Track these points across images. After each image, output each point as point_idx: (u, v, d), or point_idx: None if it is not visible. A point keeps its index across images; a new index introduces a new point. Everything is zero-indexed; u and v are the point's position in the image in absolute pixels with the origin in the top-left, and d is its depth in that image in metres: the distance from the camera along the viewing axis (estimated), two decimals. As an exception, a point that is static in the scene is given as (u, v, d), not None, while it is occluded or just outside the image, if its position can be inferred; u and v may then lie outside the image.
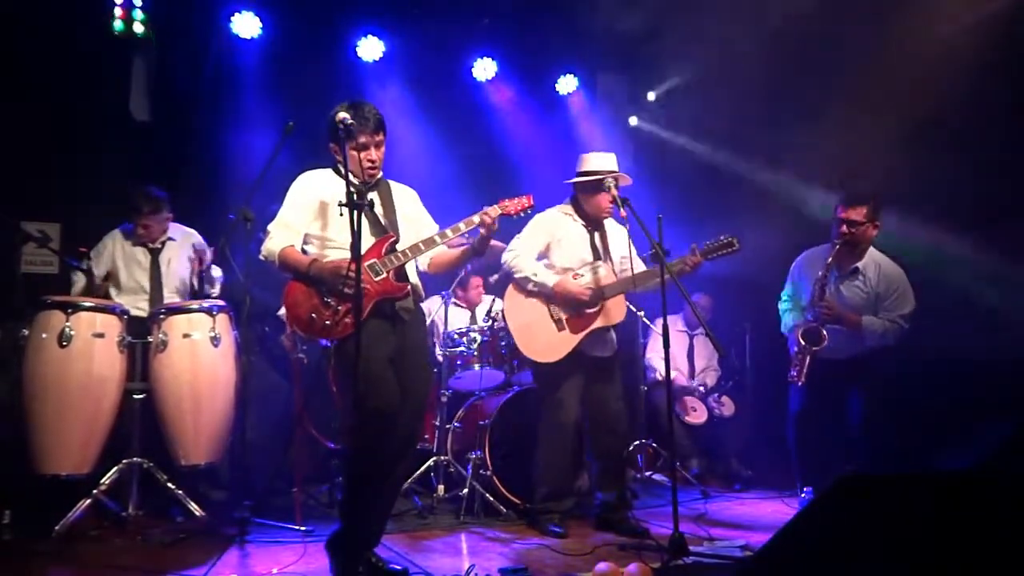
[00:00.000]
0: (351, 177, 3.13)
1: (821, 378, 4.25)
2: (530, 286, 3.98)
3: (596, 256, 4.07)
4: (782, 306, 4.62)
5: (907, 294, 4.27)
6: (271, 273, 3.91)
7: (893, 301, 4.25)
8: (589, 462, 4.18)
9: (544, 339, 3.95)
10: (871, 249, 4.36)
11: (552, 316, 3.97)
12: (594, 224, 4.12)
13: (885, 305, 4.26)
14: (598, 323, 3.97)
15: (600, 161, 4.04)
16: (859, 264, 4.33)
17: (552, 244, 4.05)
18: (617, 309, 4.02)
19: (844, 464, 4.24)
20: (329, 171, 3.24)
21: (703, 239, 3.92)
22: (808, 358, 4.21)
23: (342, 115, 2.94)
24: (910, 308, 4.24)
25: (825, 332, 4.19)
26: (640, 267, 4.04)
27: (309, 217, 3.16)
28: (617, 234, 4.20)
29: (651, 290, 3.94)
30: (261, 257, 3.19)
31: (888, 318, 4.23)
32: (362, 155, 3.11)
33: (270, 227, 3.16)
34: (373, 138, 3.11)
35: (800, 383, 4.22)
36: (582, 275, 4.00)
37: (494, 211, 3.20)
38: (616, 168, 4.03)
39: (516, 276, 4.01)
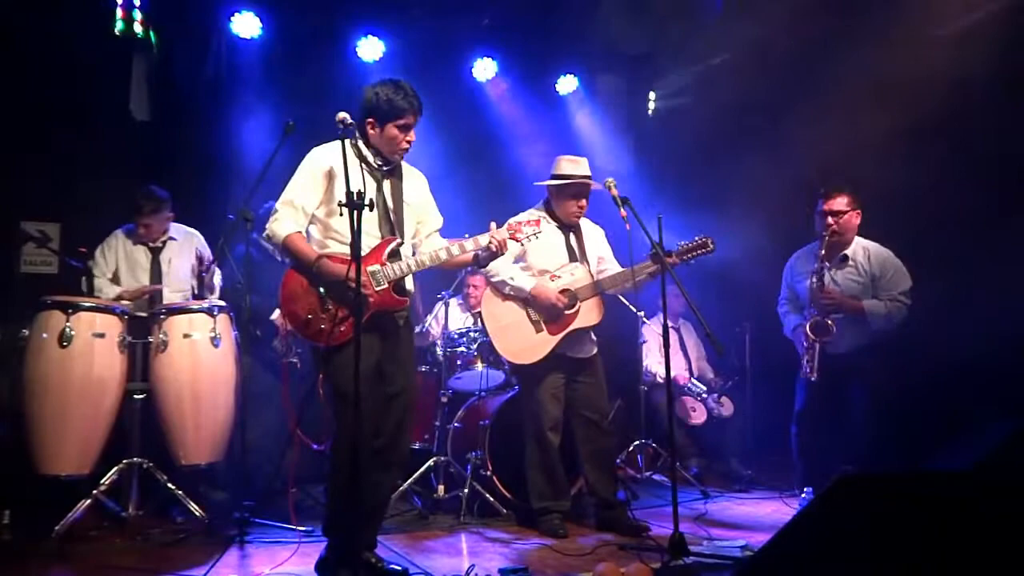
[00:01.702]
0: (369, 157, 3.13)
1: (824, 375, 4.26)
2: (507, 290, 4.01)
3: (572, 257, 4.11)
4: (781, 310, 4.65)
5: (902, 271, 4.31)
6: (264, 278, 3.91)
7: (890, 280, 4.28)
8: (583, 463, 4.18)
9: (522, 341, 3.98)
10: (857, 237, 4.40)
11: (530, 318, 4.00)
12: (568, 226, 4.15)
13: (883, 285, 4.29)
14: (576, 324, 4.00)
15: (572, 166, 4.08)
16: (847, 252, 4.38)
17: (528, 247, 4.06)
18: (593, 311, 4.05)
19: (844, 464, 4.24)
20: (347, 143, 3.13)
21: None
22: (818, 352, 4.21)
23: (342, 115, 2.93)
24: (908, 285, 4.27)
25: (831, 324, 4.21)
26: (616, 267, 4.13)
27: (317, 197, 3.11)
28: (594, 235, 4.26)
29: (629, 290, 3.99)
30: (264, 236, 3.12)
31: (889, 298, 4.25)
32: (402, 136, 3.09)
33: (277, 205, 3.10)
34: (416, 119, 3.12)
35: (814, 378, 4.23)
36: (559, 276, 4.03)
37: (502, 235, 3.21)
38: (588, 173, 4.08)
39: (493, 280, 4.05)
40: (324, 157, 3.13)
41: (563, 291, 4.00)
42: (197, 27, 5.63)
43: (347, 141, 2.94)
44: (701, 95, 6.44)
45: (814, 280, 4.28)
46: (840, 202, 4.32)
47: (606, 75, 7.08)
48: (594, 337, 4.19)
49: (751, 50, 5.58)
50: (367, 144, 3.15)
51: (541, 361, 3.96)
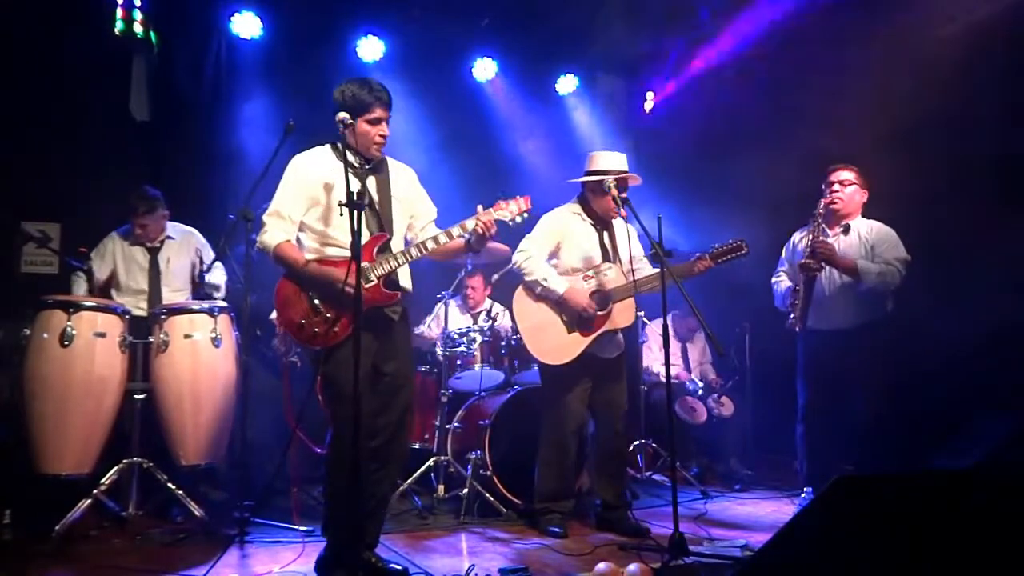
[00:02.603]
0: (350, 157, 3.10)
1: (822, 369, 4.24)
2: (539, 290, 3.95)
3: (605, 256, 4.04)
4: (774, 279, 4.61)
5: (900, 244, 4.28)
6: (264, 276, 3.92)
7: (886, 248, 4.26)
8: (589, 461, 4.18)
9: (554, 341, 3.93)
10: (860, 216, 4.40)
11: (562, 318, 3.94)
12: (603, 223, 4.09)
13: (878, 252, 4.26)
14: (608, 326, 3.94)
15: (609, 160, 4.01)
16: (850, 222, 4.37)
17: (562, 244, 4.03)
18: (626, 312, 3.98)
19: (844, 464, 4.24)
20: (327, 148, 3.15)
21: (704, 238, 3.93)
22: (804, 297, 4.20)
23: (343, 115, 2.95)
24: (903, 254, 4.24)
25: (817, 263, 4.19)
26: (648, 269, 4.03)
27: (306, 204, 3.10)
28: (627, 234, 4.18)
29: (655, 291, 3.93)
30: (256, 248, 3.16)
31: (883, 260, 4.22)
32: (375, 130, 3.08)
33: (265, 217, 3.11)
34: (386, 112, 3.11)
35: (798, 329, 4.23)
36: (592, 277, 3.97)
37: (488, 216, 3.16)
38: (626, 168, 4.01)
39: (527, 279, 3.98)
40: (307, 165, 3.14)
41: (595, 292, 3.94)
42: (197, 27, 5.64)
43: (332, 144, 2.96)
44: (700, 95, 6.44)
45: (808, 236, 4.28)
46: (846, 174, 4.34)
47: (606, 75, 7.09)
48: (621, 338, 4.13)
49: (751, 50, 5.58)
50: (346, 145, 3.14)
51: (571, 362, 3.91)
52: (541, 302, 3.97)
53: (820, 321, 4.29)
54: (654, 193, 5.85)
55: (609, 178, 3.85)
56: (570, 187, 4.21)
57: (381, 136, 3.11)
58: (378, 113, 3.07)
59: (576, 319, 3.93)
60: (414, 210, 3.32)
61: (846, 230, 4.36)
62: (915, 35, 4.88)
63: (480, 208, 3.21)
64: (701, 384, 5.76)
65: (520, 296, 4.04)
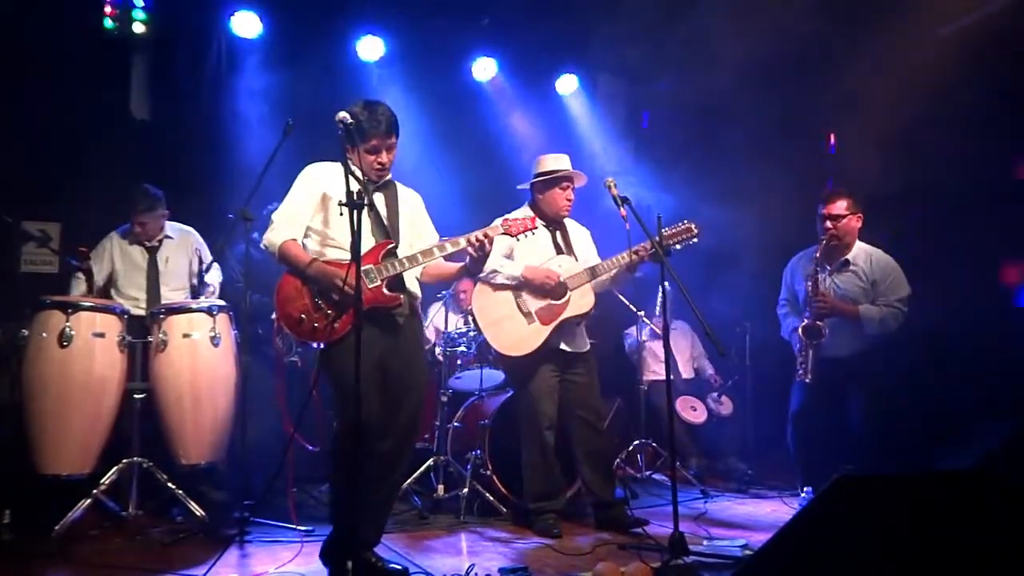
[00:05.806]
0: (358, 173, 3.14)
1: (822, 377, 4.25)
2: (498, 279, 4.01)
3: (559, 252, 4.12)
4: (781, 311, 4.65)
5: (901, 279, 4.31)
6: (266, 275, 3.93)
7: (888, 286, 4.29)
8: (578, 464, 4.16)
9: (515, 333, 3.97)
10: (858, 242, 4.40)
11: (521, 310, 4.00)
12: (554, 223, 4.17)
13: (881, 291, 4.29)
14: (567, 313, 3.99)
15: (555, 162, 4.13)
16: (848, 256, 4.38)
17: (515, 247, 4.08)
18: (584, 299, 4.04)
19: (844, 464, 4.25)
20: (338, 165, 3.18)
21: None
22: (811, 354, 4.22)
23: (342, 115, 2.96)
24: (906, 292, 4.27)
25: (823, 326, 4.21)
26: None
27: (311, 210, 3.16)
28: (580, 234, 4.28)
29: (604, 286, 4.04)
30: (262, 246, 3.19)
31: (885, 303, 4.25)
32: (372, 158, 3.12)
33: (274, 216, 3.16)
34: (384, 141, 3.12)
35: (807, 380, 4.25)
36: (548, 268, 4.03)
37: (496, 231, 3.22)
38: (570, 167, 4.11)
39: (480, 275, 4.01)
40: (316, 179, 3.18)
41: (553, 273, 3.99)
42: (197, 26, 5.63)
43: (344, 162, 2.97)
44: (701, 95, 6.43)
45: (809, 284, 4.29)
46: (839, 206, 4.33)
47: (606, 75, 7.08)
48: (584, 331, 4.17)
49: (752, 50, 5.57)
50: (355, 161, 3.15)
51: (534, 353, 3.94)
52: (500, 293, 4.02)
53: (821, 349, 4.29)
54: (655, 193, 5.87)
55: (609, 179, 3.86)
56: (526, 191, 4.23)
57: (379, 164, 3.15)
58: (374, 142, 3.09)
59: (539, 295, 3.98)
60: (418, 230, 3.37)
61: (844, 264, 4.37)
62: (916, 33, 4.88)
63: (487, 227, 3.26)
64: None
65: (479, 293, 4.10)
